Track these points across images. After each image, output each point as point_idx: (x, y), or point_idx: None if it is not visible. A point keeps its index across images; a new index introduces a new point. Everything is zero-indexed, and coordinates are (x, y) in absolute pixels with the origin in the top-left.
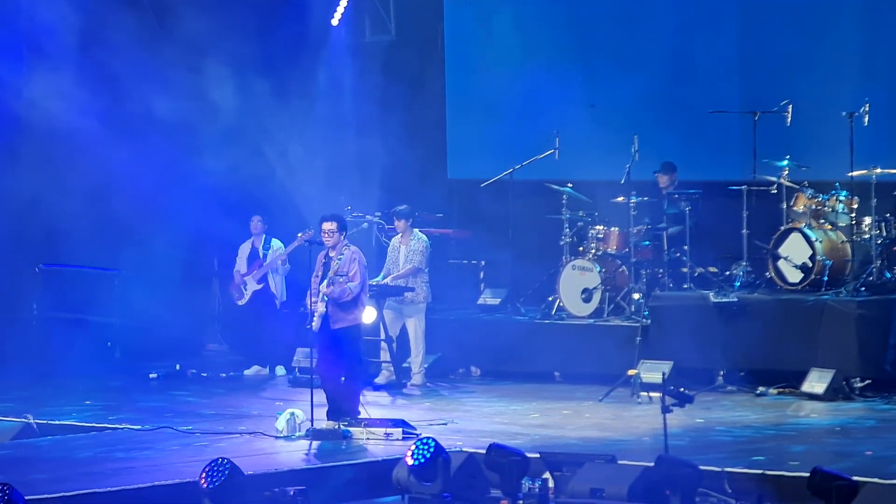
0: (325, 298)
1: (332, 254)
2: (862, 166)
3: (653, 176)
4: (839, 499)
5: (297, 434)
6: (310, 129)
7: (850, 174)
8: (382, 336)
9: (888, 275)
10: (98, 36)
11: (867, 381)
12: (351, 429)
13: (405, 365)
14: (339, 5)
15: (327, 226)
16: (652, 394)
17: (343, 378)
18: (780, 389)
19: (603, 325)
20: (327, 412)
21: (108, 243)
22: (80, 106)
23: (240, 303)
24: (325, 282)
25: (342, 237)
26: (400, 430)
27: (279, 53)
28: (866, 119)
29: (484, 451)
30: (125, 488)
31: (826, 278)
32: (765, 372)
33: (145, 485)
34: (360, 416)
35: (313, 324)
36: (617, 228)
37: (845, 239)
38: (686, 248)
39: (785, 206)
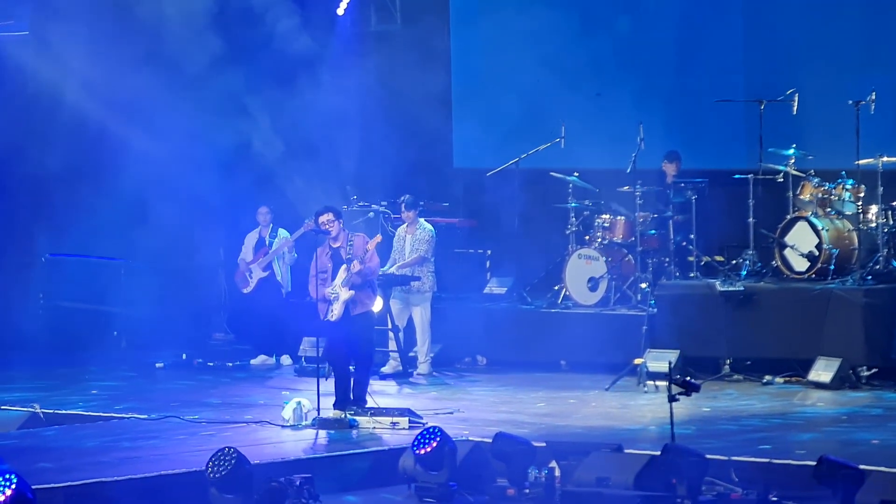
0: (350, 284)
1: (335, 245)
2: (868, 155)
3: (659, 165)
4: (846, 487)
5: (303, 423)
6: (315, 119)
7: (856, 163)
8: (389, 325)
9: (894, 263)
10: (100, 30)
11: (874, 370)
12: (357, 418)
13: (411, 354)
14: None
15: (325, 217)
16: (658, 382)
17: (352, 367)
18: (787, 378)
19: (609, 313)
20: (334, 402)
21: (114, 233)
22: (86, 96)
23: (245, 290)
24: (352, 264)
25: (340, 224)
26: (406, 419)
27: (284, 43)
28: (872, 107)
29: (490, 440)
30: (132, 478)
31: (832, 267)
32: (771, 361)
33: (152, 474)
34: (366, 406)
35: (333, 312)
36: (623, 217)
37: (851, 227)
38: (692, 236)
39: (791, 195)
